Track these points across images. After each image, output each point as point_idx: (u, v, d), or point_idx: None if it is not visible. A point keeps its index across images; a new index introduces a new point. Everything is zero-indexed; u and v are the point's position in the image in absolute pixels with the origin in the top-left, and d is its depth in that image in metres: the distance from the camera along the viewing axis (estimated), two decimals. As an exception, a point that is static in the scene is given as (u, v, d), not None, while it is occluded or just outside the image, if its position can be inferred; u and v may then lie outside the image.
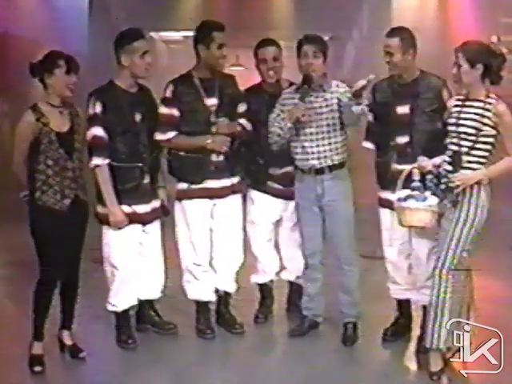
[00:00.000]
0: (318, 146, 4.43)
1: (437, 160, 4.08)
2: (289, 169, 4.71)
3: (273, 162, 4.73)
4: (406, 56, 4.24)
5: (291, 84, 4.77)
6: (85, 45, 8.93)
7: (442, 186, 3.99)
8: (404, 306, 4.61)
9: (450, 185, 3.94)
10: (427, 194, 4.03)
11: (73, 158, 4.12)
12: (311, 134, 4.43)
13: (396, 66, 4.25)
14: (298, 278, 4.88)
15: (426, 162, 4.09)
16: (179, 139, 4.48)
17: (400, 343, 4.52)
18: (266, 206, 4.81)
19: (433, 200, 4.01)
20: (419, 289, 4.41)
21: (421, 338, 4.40)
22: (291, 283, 5.02)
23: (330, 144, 4.43)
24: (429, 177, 4.05)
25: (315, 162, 4.44)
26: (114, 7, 9.05)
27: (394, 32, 4.28)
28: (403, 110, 4.28)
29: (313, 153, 4.44)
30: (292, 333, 4.68)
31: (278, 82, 4.80)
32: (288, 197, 4.76)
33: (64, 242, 4.16)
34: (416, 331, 4.55)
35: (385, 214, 4.45)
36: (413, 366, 4.33)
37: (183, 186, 4.57)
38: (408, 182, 4.12)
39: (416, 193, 4.05)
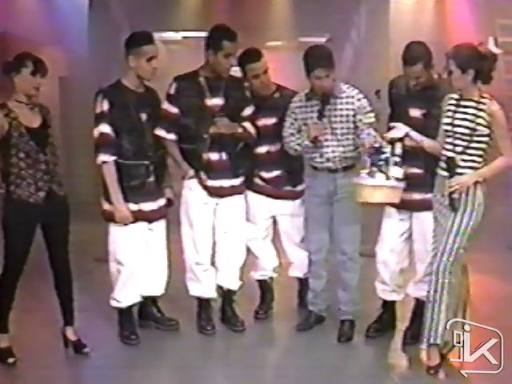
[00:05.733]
0: (333, 151, 4.49)
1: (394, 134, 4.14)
2: (278, 173, 4.79)
3: (261, 166, 4.81)
4: (429, 72, 4.23)
5: (278, 86, 4.83)
6: (85, 45, 8.96)
7: (381, 163, 4.07)
8: (388, 304, 4.69)
9: (449, 189, 3.99)
10: (374, 169, 4.11)
11: (45, 151, 4.18)
12: (326, 140, 4.47)
13: (422, 83, 4.23)
14: (306, 274, 4.94)
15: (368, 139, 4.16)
16: (172, 147, 4.57)
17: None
18: (256, 205, 4.86)
19: (380, 177, 4.08)
20: (417, 282, 4.48)
21: (408, 330, 4.51)
22: (300, 279, 5.07)
23: (344, 148, 4.48)
24: (374, 153, 4.12)
25: (330, 165, 4.51)
26: (113, 8, 9.07)
27: (416, 59, 4.16)
28: (415, 112, 4.30)
29: (328, 158, 4.50)
30: (298, 327, 4.74)
31: (267, 86, 4.82)
32: (278, 196, 4.83)
33: (41, 236, 4.23)
34: (402, 326, 4.62)
35: (390, 214, 4.47)
36: (400, 360, 4.39)
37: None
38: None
39: (373, 169, 4.13)
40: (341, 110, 4.46)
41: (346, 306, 4.64)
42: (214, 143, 4.54)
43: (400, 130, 4.15)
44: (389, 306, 4.69)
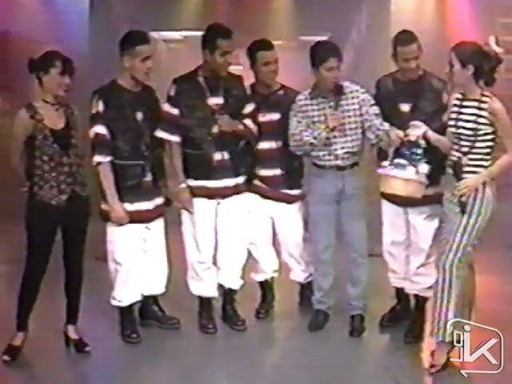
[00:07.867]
0: (342, 147, 4.52)
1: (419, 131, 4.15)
2: (276, 172, 4.79)
3: (262, 163, 4.80)
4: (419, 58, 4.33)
5: (283, 86, 4.83)
6: (85, 45, 8.94)
7: (418, 157, 4.09)
8: (402, 294, 4.74)
9: (456, 192, 3.99)
10: (405, 162, 4.13)
11: (69, 153, 4.18)
12: (334, 137, 4.51)
13: (414, 71, 4.34)
14: (306, 278, 4.97)
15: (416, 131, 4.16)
16: (176, 151, 4.56)
17: (401, 336, 4.58)
18: (255, 206, 4.85)
19: (411, 171, 4.10)
20: (412, 276, 4.55)
21: (409, 328, 4.54)
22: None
23: (352, 144, 4.52)
24: (406, 147, 4.14)
25: (339, 162, 4.53)
26: (114, 7, 9.07)
27: (411, 38, 4.30)
28: (405, 108, 4.37)
29: (336, 155, 4.53)
30: (311, 327, 4.73)
31: (270, 84, 4.83)
32: (275, 198, 4.83)
33: (63, 237, 4.26)
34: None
35: (387, 207, 4.57)
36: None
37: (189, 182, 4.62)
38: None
39: (400, 161, 4.15)
40: (347, 105, 4.50)
41: (357, 301, 4.69)
42: (215, 142, 4.54)
43: (419, 128, 4.15)
44: (402, 296, 4.74)
